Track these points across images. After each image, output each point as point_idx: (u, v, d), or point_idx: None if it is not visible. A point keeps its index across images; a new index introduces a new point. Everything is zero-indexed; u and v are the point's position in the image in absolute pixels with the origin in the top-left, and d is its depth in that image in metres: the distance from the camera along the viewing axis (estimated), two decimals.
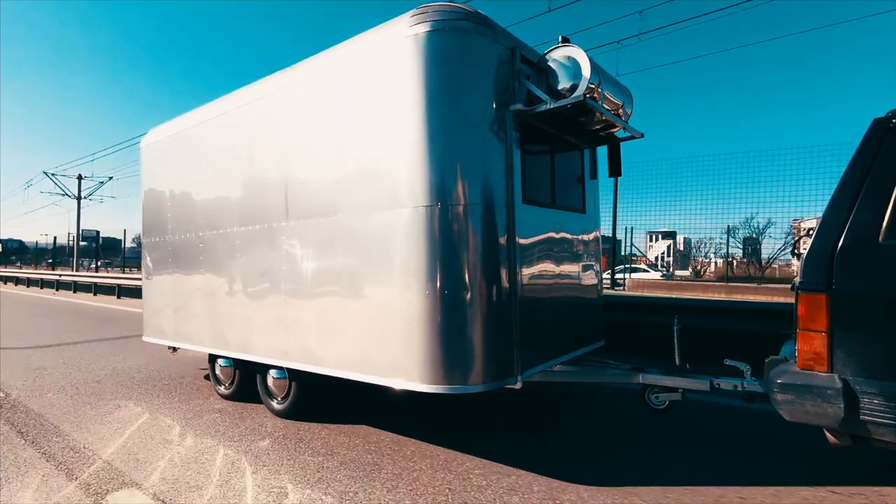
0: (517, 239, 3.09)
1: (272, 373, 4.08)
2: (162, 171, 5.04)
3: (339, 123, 3.33)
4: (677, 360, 3.26)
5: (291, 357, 3.65)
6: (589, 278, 4.14)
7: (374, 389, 3.31)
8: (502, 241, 3.00)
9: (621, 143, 4.18)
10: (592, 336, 4.17)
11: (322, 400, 4.17)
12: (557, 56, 3.22)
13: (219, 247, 4.32)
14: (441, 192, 2.86)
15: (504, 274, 2.99)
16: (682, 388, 3.13)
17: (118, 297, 16.72)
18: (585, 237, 4.11)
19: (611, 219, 12.38)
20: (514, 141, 3.11)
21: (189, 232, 4.67)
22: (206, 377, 5.40)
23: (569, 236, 3.82)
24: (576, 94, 3.09)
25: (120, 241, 29.47)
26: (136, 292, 15.53)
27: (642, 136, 3.87)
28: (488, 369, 2.91)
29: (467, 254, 2.89)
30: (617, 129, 3.87)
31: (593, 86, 3.17)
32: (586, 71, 3.08)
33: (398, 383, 2.99)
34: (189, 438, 3.59)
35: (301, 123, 3.56)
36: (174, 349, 5.41)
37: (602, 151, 4.40)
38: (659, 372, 3.27)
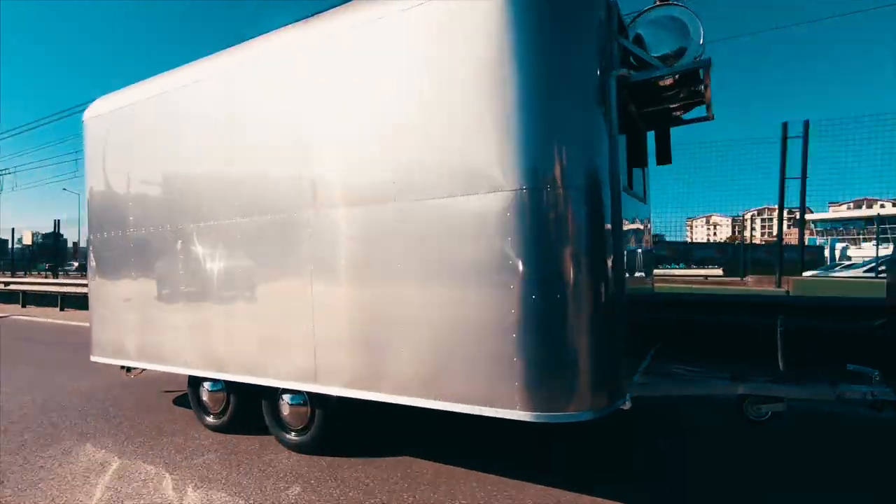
0: (623, 229, 2.60)
1: (286, 398, 3.29)
2: (119, 151, 4.01)
3: (391, 89, 2.64)
4: (781, 366, 2.93)
5: (323, 380, 2.92)
6: (650, 274, 3.75)
7: (400, 408, 2.67)
8: (609, 230, 2.49)
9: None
10: (654, 338, 3.78)
11: (349, 428, 3.45)
12: (657, 17, 2.76)
13: (207, 243, 3.44)
14: (550, 172, 2.30)
15: (613, 272, 2.48)
16: (799, 398, 2.79)
17: None
18: (648, 228, 3.71)
19: None
20: (615, 114, 2.60)
21: (161, 225, 3.72)
22: (175, 402, 4.43)
23: (640, 227, 3.40)
24: (684, 59, 2.64)
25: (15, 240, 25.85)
26: None
27: (713, 118, 3.51)
28: (603, 388, 2.39)
29: (584, 249, 2.35)
30: (684, 111, 3.48)
31: (697, 55, 2.74)
32: (697, 34, 2.65)
33: (487, 411, 2.39)
34: (191, 494, 2.74)
35: (337, 87, 2.82)
36: (129, 369, 4.39)
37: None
38: (764, 380, 2.91)
